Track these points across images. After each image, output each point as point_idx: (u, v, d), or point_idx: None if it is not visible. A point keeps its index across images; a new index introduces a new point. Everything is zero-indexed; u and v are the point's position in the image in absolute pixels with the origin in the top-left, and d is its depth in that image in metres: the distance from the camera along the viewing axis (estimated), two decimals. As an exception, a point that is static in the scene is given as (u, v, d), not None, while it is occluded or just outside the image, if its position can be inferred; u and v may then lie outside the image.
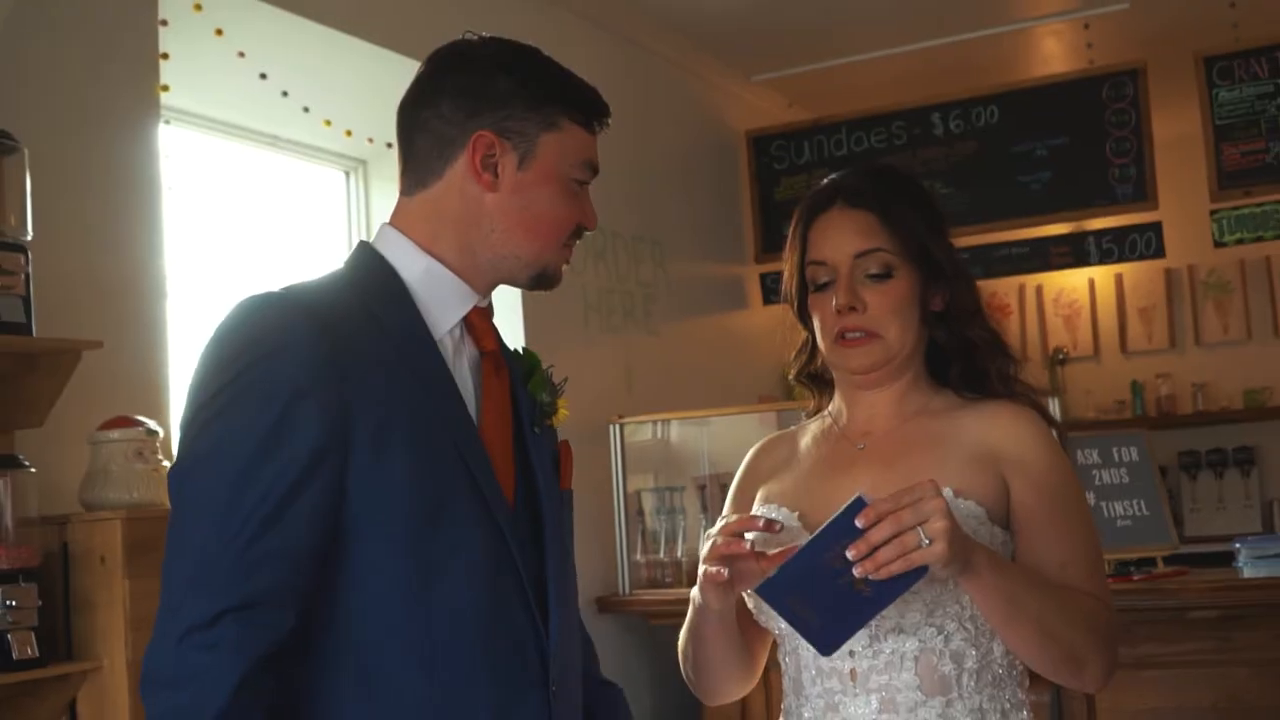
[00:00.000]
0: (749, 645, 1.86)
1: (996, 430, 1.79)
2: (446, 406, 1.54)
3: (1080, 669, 1.74)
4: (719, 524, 1.70)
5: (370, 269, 1.59)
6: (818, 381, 1.95)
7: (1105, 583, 1.79)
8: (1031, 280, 7.10)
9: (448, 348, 1.59)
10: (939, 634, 1.71)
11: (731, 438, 4.82)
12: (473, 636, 1.50)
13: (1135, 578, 3.83)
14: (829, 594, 1.55)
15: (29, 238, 2.71)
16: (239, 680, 1.37)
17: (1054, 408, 4.31)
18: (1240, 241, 5.24)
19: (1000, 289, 7.10)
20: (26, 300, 2.67)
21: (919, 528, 1.51)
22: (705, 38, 5.59)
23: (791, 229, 1.89)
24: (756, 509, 1.88)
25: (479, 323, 1.63)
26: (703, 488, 4.75)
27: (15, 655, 2.53)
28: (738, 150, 6.09)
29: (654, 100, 5.49)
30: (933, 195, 1.95)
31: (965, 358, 1.86)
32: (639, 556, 4.67)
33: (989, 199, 5.51)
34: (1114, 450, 4.11)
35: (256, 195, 4.18)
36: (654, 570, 4.66)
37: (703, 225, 5.80)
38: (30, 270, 2.68)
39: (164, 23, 3.35)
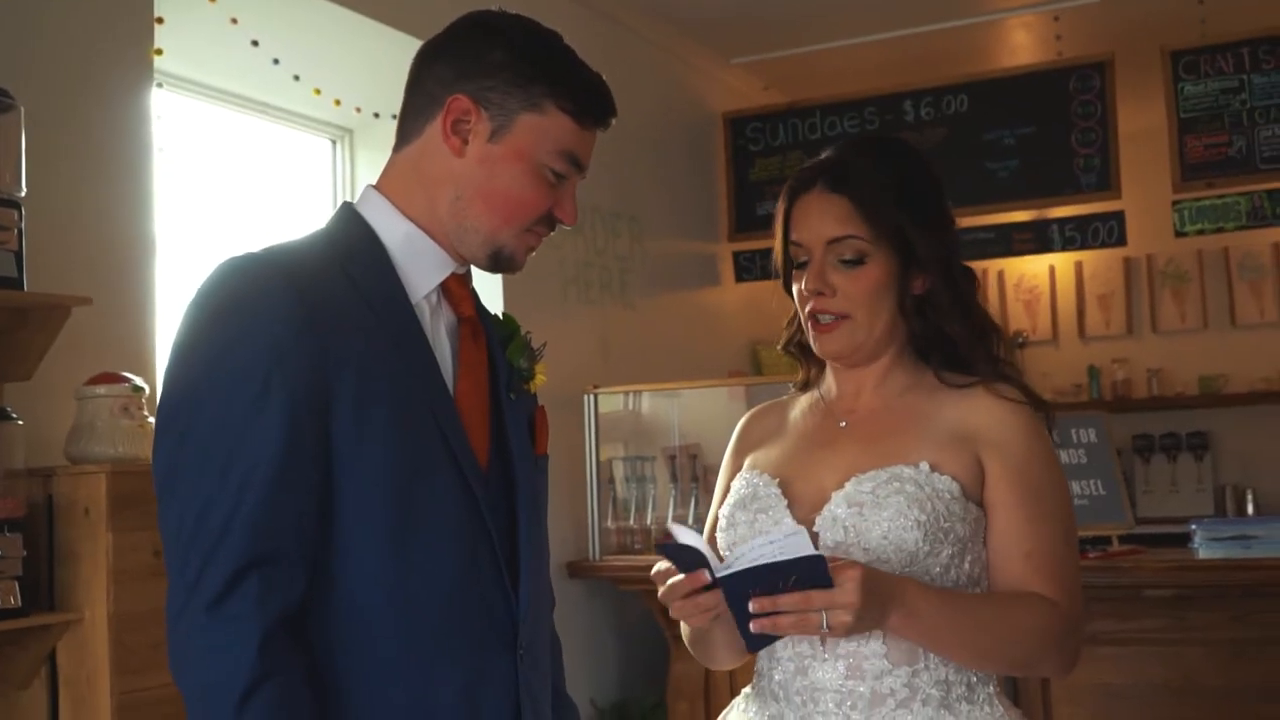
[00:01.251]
0: None
1: (978, 412, 1.80)
2: (422, 371, 1.54)
3: (1032, 670, 1.81)
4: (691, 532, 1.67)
5: (350, 231, 1.58)
6: (806, 352, 1.95)
7: (1072, 576, 1.77)
8: (994, 265, 7.17)
9: (425, 312, 1.58)
10: None
11: (701, 410, 4.91)
12: (446, 600, 1.51)
13: (1091, 555, 3.88)
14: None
15: (23, 194, 2.71)
16: (260, 644, 1.37)
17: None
18: (1201, 232, 5.30)
19: (964, 273, 7.17)
20: (19, 255, 2.68)
21: (823, 611, 1.57)
22: (686, 20, 5.63)
23: (778, 205, 1.90)
24: (743, 474, 1.91)
25: (457, 289, 1.63)
26: (672, 458, 4.82)
27: (-1, 604, 2.54)
28: (714, 131, 6.14)
29: (634, 79, 5.52)
30: (929, 173, 1.91)
31: (940, 346, 1.87)
32: (609, 523, 4.74)
33: (957, 185, 5.48)
34: (1073, 431, 4.17)
35: (245, 160, 4.19)
36: (623, 537, 4.72)
37: (679, 203, 5.86)
38: (23, 226, 2.69)
39: (159, -12, 3.36)
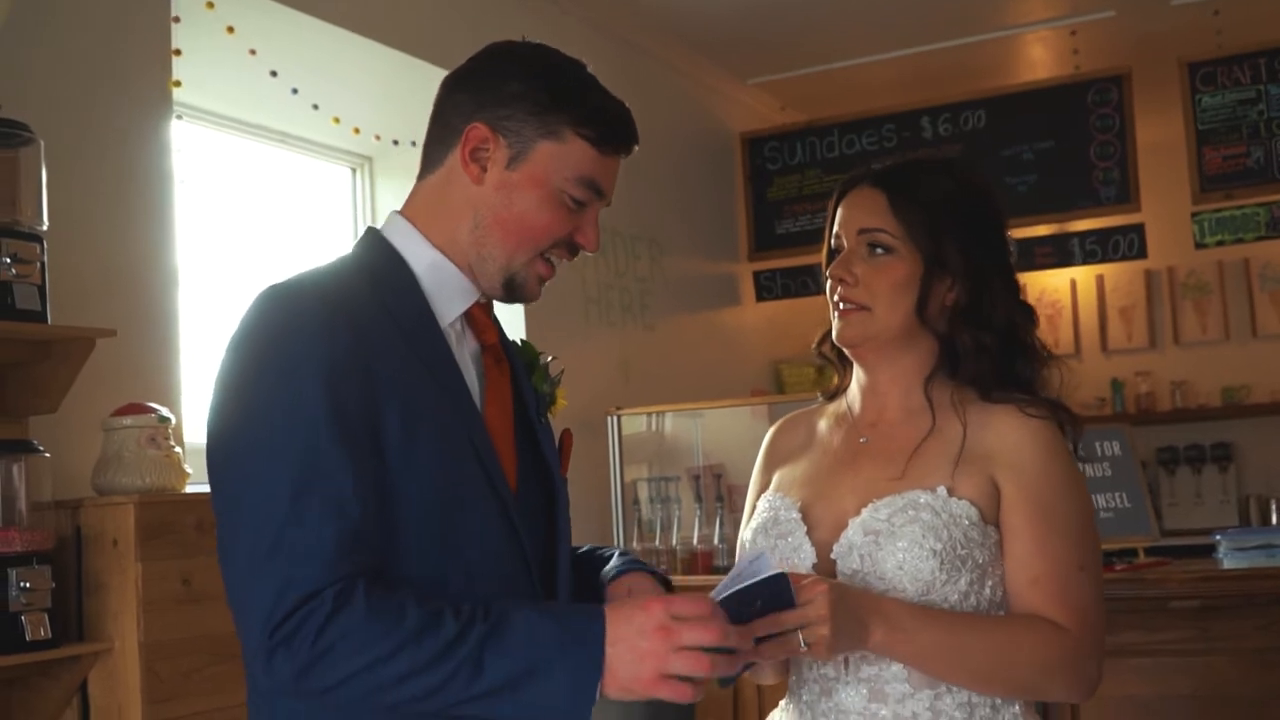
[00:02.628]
0: None
1: (994, 433, 1.78)
2: (455, 396, 1.55)
3: (1040, 695, 1.77)
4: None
5: (380, 257, 1.59)
6: (839, 355, 1.94)
7: (1086, 599, 1.73)
8: (1016, 280, 7.16)
9: (451, 339, 1.59)
10: None
11: (724, 430, 4.90)
12: None
13: (1117, 568, 3.86)
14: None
15: (45, 228, 2.73)
16: (334, 549, 1.37)
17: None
18: (1221, 243, 5.29)
19: (986, 289, 7.17)
20: (42, 289, 2.68)
21: (799, 631, 1.57)
22: (701, 41, 5.65)
23: (830, 205, 1.93)
24: (767, 496, 1.92)
25: (480, 317, 1.64)
26: (696, 478, 4.80)
27: (29, 636, 2.55)
28: (732, 151, 6.16)
29: (651, 102, 5.55)
30: (980, 190, 1.91)
31: (956, 360, 1.85)
32: (635, 545, 4.72)
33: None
34: (1097, 444, 4.16)
35: (265, 190, 4.21)
36: (649, 558, 4.68)
37: (698, 224, 5.87)
38: (45, 260, 2.70)
39: (177, 19, 3.38)
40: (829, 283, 1.88)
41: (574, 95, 1.61)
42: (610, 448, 4.73)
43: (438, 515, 1.48)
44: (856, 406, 1.92)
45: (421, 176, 1.65)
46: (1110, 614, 3.57)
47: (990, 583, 1.75)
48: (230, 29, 3.59)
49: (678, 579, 4.54)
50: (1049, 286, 7.37)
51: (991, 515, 1.76)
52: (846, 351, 1.90)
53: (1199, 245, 5.34)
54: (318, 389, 1.42)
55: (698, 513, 4.73)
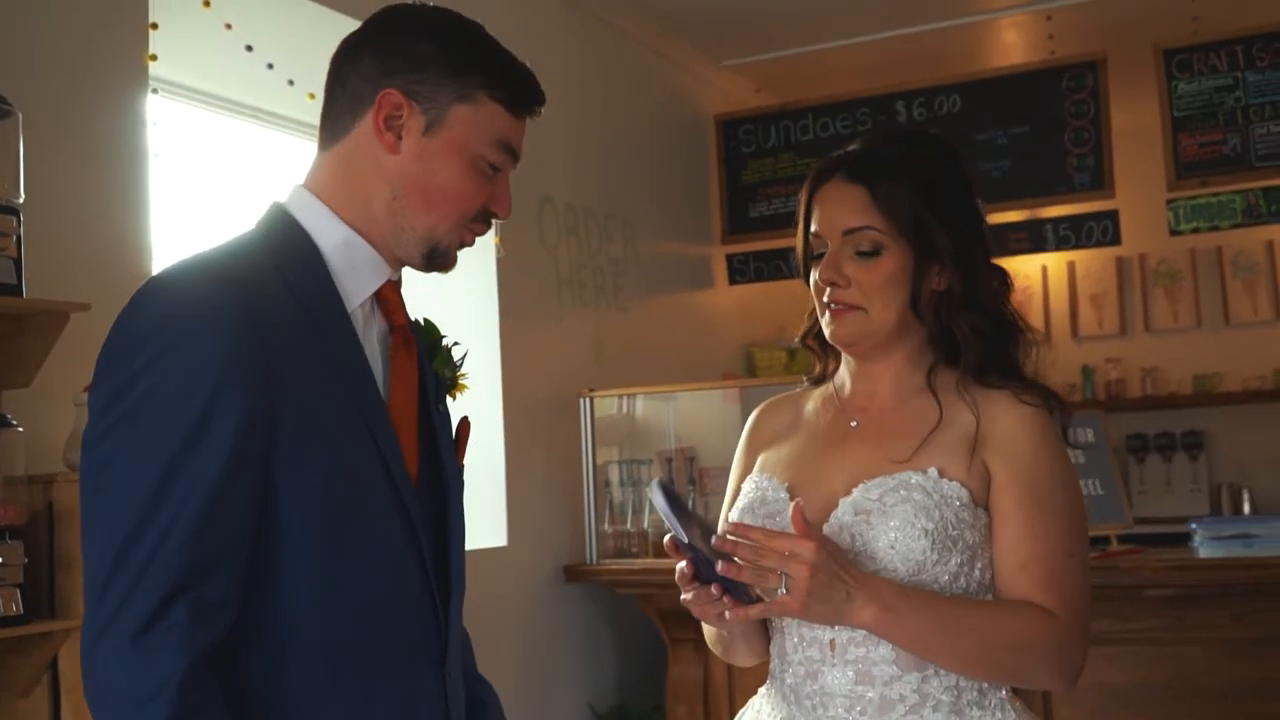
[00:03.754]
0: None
1: (986, 417, 1.78)
2: (359, 385, 1.50)
3: (1028, 681, 1.78)
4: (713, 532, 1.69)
5: (286, 235, 1.53)
6: (824, 345, 1.94)
7: (1074, 586, 1.73)
8: (988, 266, 7.19)
9: (358, 320, 1.54)
10: None
11: (696, 413, 4.91)
12: (378, 618, 1.49)
13: (1090, 555, 3.90)
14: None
15: (21, 200, 2.70)
16: (182, 680, 1.31)
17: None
18: (1196, 230, 5.29)
19: (957, 274, 7.20)
20: (18, 262, 2.66)
21: (782, 574, 1.58)
22: (676, 22, 5.64)
23: (800, 196, 1.90)
24: (752, 478, 1.92)
25: (391, 296, 1.59)
26: (669, 461, 4.81)
27: (1, 612, 2.53)
28: (706, 133, 6.15)
29: (626, 82, 5.54)
30: (955, 166, 1.89)
31: (951, 345, 1.85)
32: (606, 527, 4.73)
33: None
34: (1070, 431, 4.17)
35: (239, 164, 4.18)
36: (620, 540, 4.71)
37: (671, 205, 5.86)
38: (22, 233, 2.68)
39: (154, -7, 3.35)
40: (815, 283, 1.86)
41: (484, 56, 1.56)
42: (582, 430, 4.72)
43: (333, 511, 1.44)
44: (846, 390, 1.91)
45: (324, 147, 1.58)
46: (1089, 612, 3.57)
47: (980, 564, 1.76)
48: (206, 3, 3.56)
49: (649, 562, 4.57)
50: (1020, 272, 7.38)
51: (982, 497, 1.76)
52: (842, 349, 1.89)
53: (1174, 232, 5.36)
54: (204, 386, 1.36)
55: (668, 495, 4.72)
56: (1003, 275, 1.89)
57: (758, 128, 6.07)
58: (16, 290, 2.67)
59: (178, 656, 1.31)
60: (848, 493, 1.78)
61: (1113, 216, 5.57)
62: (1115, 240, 5.63)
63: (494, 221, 1.61)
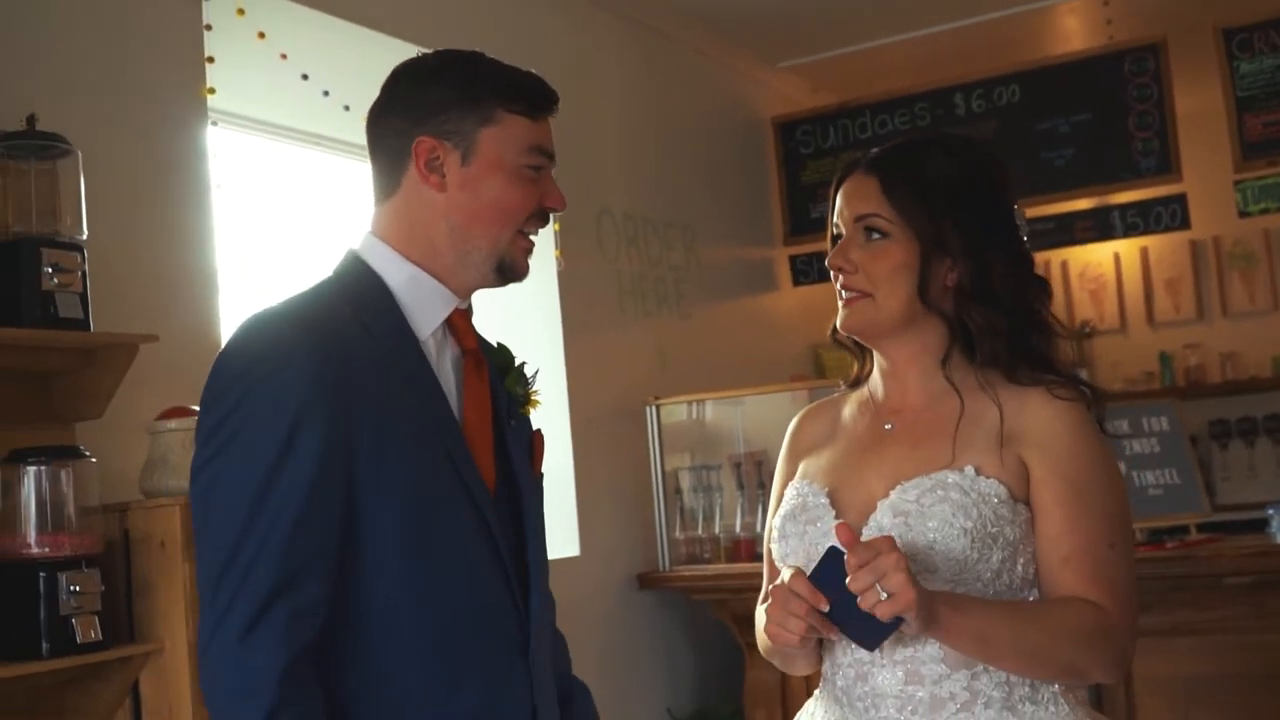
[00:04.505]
0: None
1: (1024, 413, 1.78)
2: (432, 405, 1.66)
3: (1082, 676, 1.77)
4: (783, 573, 1.71)
5: (358, 277, 1.70)
6: (858, 342, 1.95)
7: (1119, 578, 1.73)
8: (1057, 255, 7.12)
9: (431, 348, 1.70)
10: None
11: (765, 416, 4.89)
12: (463, 616, 1.63)
13: (1168, 545, 3.84)
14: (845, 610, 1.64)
15: (84, 237, 2.77)
16: (281, 674, 1.49)
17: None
18: (1265, 211, 5.21)
19: (1027, 265, 7.12)
20: (84, 297, 2.73)
21: (878, 585, 1.57)
22: (729, 26, 5.63)
23: (830, 191, 1.94)
24: (794, 484, 1.93)
25: (460, 323, 1.73)
26: (738, 465, 4.81)
27: (79, 639, 2.59)
28: (764, 135, 6.14)
29: (681, 89, 5.55)
30: (981, 166, 1.90)
31: (967, 339, 1.84)
32: (678, 534, 4.74)
33: (1013, 176, 5.51)
34: (1144, 420, 4.13)
35: (301, 191, 4.24)
36: (693, 547, 4.71)
37: (731, 209, 5.86)
38: (86, 268, 2.74)
39: (209, 27, 3.42)
40: (831, 272, 1.88)
41: (492, 80, 1.71)
42: (650, 437, 4.73)
43: (414, 519, 1.60)
44: (880, 393, 1.92)
45: (380, 201, 1.75)
46: (1162, 592, 3.53)
47: (1022, 560, 1.76)
48: (261, 34, 3.62)
49: (722, 567, 4.57)
50: (1092, 260, 7.31)
51: (1021, 492, 1.76)
52: (853, 337, 1.90)
53: (1242, 214, 5.28)
54: (288, 411, 1.54)
55: (740, 500, 4.73)
56: (1040, 284, 1.88)
57: (815, 128, 6.06)
58: (84, 324, 2.74)
59: (277, 654, 1.49)
60: (885, 495, 1.78)
61: (1181, 200, 5.50)
62: (1185, 224, 5.55)
63: (555, 235, 1.75)
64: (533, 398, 1.85)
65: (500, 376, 1.80)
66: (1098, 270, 7.34)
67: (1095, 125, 5.49)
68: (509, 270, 1.73)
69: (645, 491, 4.73)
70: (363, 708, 1.59)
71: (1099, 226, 5.74)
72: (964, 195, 1.85)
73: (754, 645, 4.66)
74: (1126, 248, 7.11)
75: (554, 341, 4.48)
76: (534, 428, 1.86)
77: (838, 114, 6.03)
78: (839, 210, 1.89)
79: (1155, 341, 7.22)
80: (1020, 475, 1.77)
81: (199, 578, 1.56)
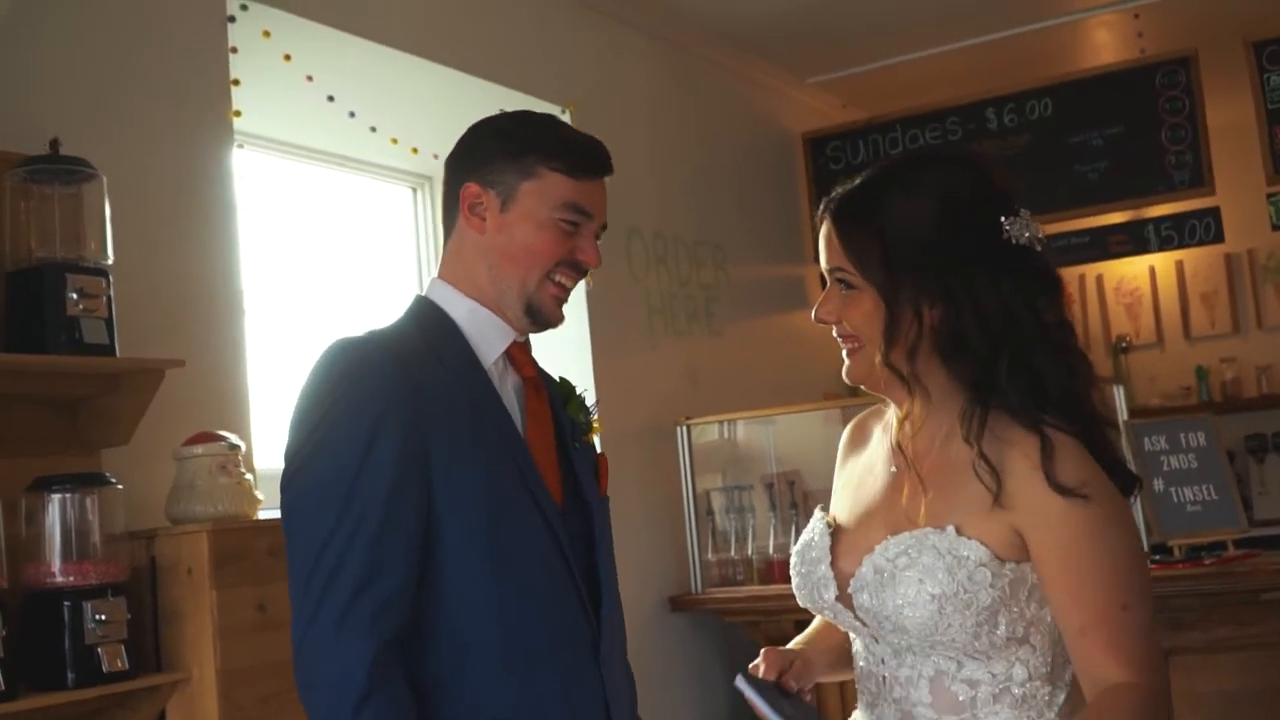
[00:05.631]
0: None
1: (1010, 476, 1.68)
2: (498, 423, 1.80)
3: None
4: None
5: (428, 313, 1.86)
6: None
7: (1140, 642, 1.64)
8: (1092, 270, 7.09)
9: (494, 374, 1.84)
10: (952, 660, 1.71)
11: (797, 435, 4.86)
12: (538, 620, 1.75)
13: (1207, 562, 3.81)
14: None
15: (109, 262, 2.76)
16: (371, 662, 1.61)
17: (1118, 396, 4.27)
18: (1298, 224, 5.20)
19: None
20: (109, 322, 2.72)
21: None
22: (758, 43, 5.62)
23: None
24: (818, 511, 1.94)
25: (519, 354, 1.88)
26: (770, 486, 4.77)
27: (106, 668, 2.57)
28: (794, 152, 6.12)
29: (710, 107, 5.54)
30: (948, 200, 1.76)
31: (991, 385, 1.72)
32: (710, 555, 4.70)
33: (1046, 190, 5.48)
34: (1181, 436, 4.10)
35: (328, 213, 4.24)
36: (725, 568, 4.68)
37: (762, 227, 5.83)
38: (112, 293, 2.73)
39: (234, 50, 3.42)
40: None
41: (540, 137, 1.86)
42: (680, 457, 4.70)
43: (486, 526, 1.72)
44: (894, 428, 1.85)
45: (445, 243, 1.92)
46: (1201, 609, 3.48)
47: (1005, 620, 1.69)
48: (287, 56, 3.63)
49: (755, 589, 4.52)
50: (1127, 274, 7.25)
51: (1010, 553, 1.69)
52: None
53: (1275, 227, 5.25)
54: (369, 421, 1.68)
55: (773, 521, 4.69)
56: (1026, 286, 1.74)
57: (846, 143, 6.03)
58: (109, 350, 2.73)
59: (366, 643, 1.61)
60: (870, 550, 1.76)
61: (1214, 214, 5.45)
62: (1218, 238, 5.50)
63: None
64: (594, 425, 1.96)
65: (561, 404, 1.94)
66: (1133, 284, 7.28)
67: (1127, 138, 5.46)
68: (537, 313, 1.84)
69: (677, 513, 4.70)
70: (443, 693, 1.70)
71: (1133, 240, 5.71)
72: (926, 240, 1.74)
73: (787, 668, 4.60)
74: (1162, 261, 7.06)
75: (583, 361, 4.45)
76: (598, 451, 1.98)
77: (868, 129, 6.01)
78: (821, 256, 1.83)
79: (1192, 355, 7.16)
80: (1007, 537, 1.69)
81: (291, 583, 1.67)
